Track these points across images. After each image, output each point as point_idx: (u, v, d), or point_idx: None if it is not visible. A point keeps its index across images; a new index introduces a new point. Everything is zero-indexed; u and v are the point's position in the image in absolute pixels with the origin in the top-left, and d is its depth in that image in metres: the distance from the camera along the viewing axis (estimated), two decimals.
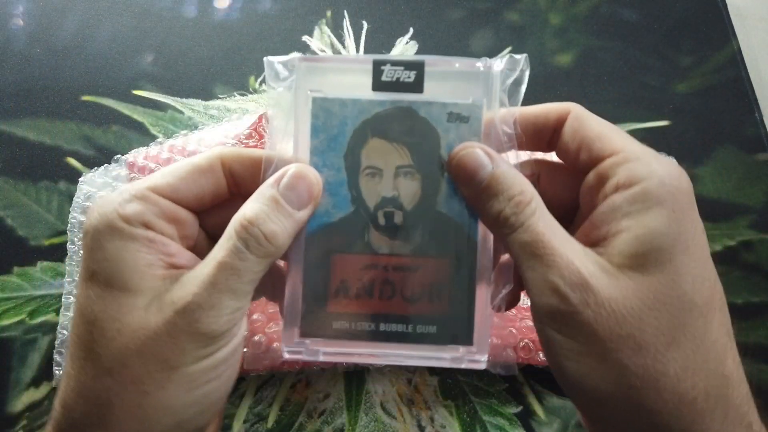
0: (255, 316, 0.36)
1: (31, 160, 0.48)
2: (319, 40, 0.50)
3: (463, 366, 0.26)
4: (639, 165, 0.25)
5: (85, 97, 0.49)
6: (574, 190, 0.28)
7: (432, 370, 0.41)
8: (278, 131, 0.27)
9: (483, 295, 0.27)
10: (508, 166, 0.26)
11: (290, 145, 0.27)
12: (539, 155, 0.31)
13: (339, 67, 0.27)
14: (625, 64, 0.50)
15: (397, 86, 0.26)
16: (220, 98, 0.49)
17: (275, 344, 0.35)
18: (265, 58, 0.28)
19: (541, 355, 0.38)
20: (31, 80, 0.50)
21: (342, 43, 0.50)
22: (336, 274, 0.26)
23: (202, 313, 0.24)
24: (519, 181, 0.25)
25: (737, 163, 0.47)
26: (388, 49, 0.50)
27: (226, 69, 0.50)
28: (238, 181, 0.28)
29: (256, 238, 0.24)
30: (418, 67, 0.26)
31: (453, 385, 0.41)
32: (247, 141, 0.39)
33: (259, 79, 0.49)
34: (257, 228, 0.25)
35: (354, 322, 0.26)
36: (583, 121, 0.27)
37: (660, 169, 0.25)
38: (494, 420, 0.40)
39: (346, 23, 0.51)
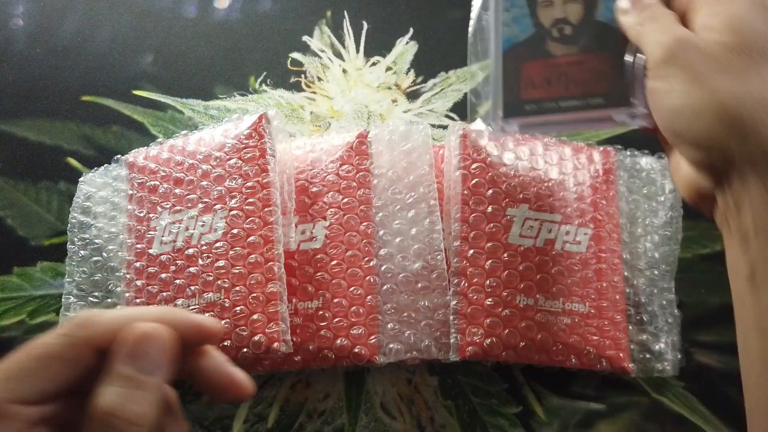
0: (255, 317, 0.36)
1: (31, 160, 0.48)
2: (319, 40, 0.50)
3: (630, 120, 0.33)
4: None
5: (85, 97, 0.49)
6: None
7: (432, 371, 0.41)
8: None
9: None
10: None
11: None
12: None
13: None
14: None
15: None
16: (220, 98, 0.49)
17: (275, 344, 0.35)
18: None
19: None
20: (31, 80, 0.50)
21: (342, 43, 0.50)
22: (525, 74, 0.35)
23: None
24: None
25: None
26: (389, 49, 0.50)
27: (226, 69, 0.50)
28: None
29: (121, 431, 0.22)
30: None
31: (453, 385, 0.41)
32: (247, 141, 0.39)
33: (259, 79, 0.49)
34: (118, 419, 0.22)
35: (540, 104, 0.35)
36: None
37: None
38: (494, 420, 0.40)
39: (346, 23, 0.51)
